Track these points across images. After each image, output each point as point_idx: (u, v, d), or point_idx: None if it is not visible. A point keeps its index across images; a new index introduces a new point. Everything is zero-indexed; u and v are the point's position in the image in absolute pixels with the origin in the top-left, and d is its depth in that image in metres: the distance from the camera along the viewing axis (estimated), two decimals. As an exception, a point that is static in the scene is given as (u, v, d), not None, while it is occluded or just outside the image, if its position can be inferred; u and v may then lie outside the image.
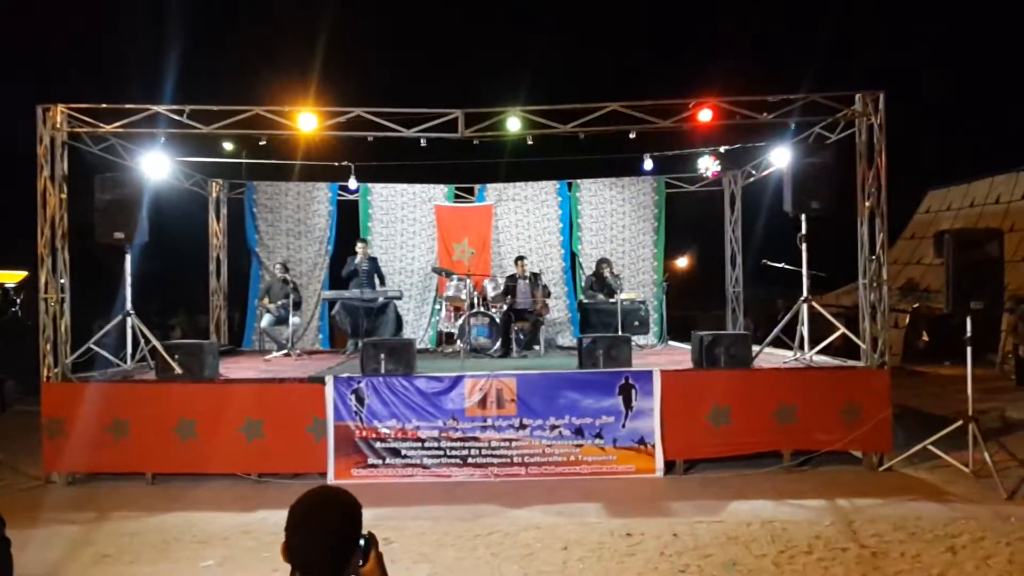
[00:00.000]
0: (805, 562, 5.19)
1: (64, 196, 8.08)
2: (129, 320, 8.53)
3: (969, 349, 7.35)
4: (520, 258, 11.12)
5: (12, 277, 3.86)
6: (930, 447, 7.43)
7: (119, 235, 8.20)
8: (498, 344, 10.11)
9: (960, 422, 7.30)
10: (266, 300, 11.05)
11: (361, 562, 2.19)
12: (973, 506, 6.32)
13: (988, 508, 6.23)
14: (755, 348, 8.20)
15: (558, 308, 12.50)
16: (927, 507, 6.35)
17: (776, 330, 8.65)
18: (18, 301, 3.72)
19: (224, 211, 12.38)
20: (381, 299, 10.80)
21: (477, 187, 12.87)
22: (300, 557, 2.14)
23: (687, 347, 9.43)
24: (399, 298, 11.10)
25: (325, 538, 2.14)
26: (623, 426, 7.56)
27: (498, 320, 10.17)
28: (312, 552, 2.14)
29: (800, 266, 8.64)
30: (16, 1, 17.75)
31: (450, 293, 10.91)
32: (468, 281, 10.59)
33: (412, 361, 7.83)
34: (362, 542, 2.21)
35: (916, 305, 16.67)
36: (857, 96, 8.13)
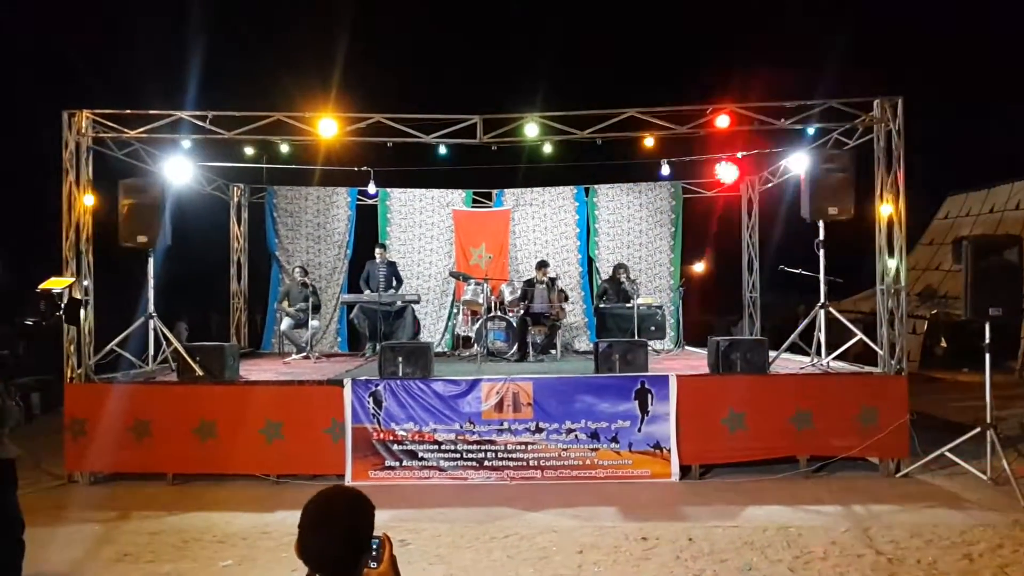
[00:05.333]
0: (821, 568, 5.19)
1: (89, 200, 8.22)
2: (151, 322, 8.65)
3: (988, 356, 7.32)
4: (542, 263, 11.00)
5: (59, 283, 3.93)
6: (948, 454, 7.41)
7: (142, 238, 8.32)
8: (515, 348, 10.14)
9: (978, 429, 7.27)
10: (286, 303, 11.16)
11: (374, 563, 2.21)
12: (991, 513, 6.29)
13: (1006, 516, 6.20)
14: (772, 354, 8.20)
15: (575, 313, 12.52)
16: (944, 514, 6.33)
17: (793, 336, 8.64)
18: (62, 306, 3.82)
19: (245, 215, 12.54)
20: (399, 303, 10.88)
21: (495, 192, 12.95)
22: (314, 555, 2.18)
23: (703, 352, 9.42)
24: (417, 302, 11.17)
25: (338, 536, 2.18)
26: (639, 430, 7.58)
27: (515, 324, 10.21)
28: (325, 550, 2.17)
29: (818, 272, 8.63)
30: (42, 8, 18.00)
31: (467, 297, 10.96)
32: (485, 285, 10.64)
33: (429, 364, 7.89)
34: (375, 543, 2.24)
35: (934, 311, 16.56)
36: (875, 102, 8.12)
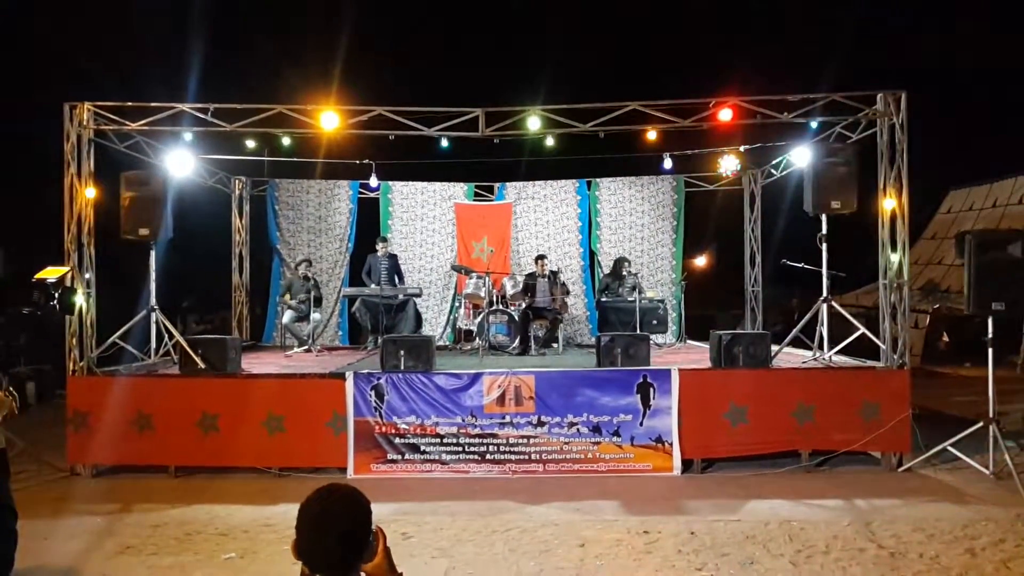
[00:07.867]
0: (823, 562, 5.19)
1: (91, 193, 8.20)
2: (153, 315, 8.66)
3: (990, 350, 7.31)
4: (540, 256, 11.14)
5: (53, 272, 3.97)
6: (950, 448, 7.40)
7: (144, 231, 8.33)
8: (517, 342, 10.14)
9: (980, 424, 7.27)
10: (287, 296, 11.15)
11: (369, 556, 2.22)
12: (993, 508, 6.28)
13: (1008, 510, 6.20)
14: (774, 348, 8.18)
15: (576, 306, 12.50)
16: (946, 508, 6.33)
17: (795, 330, 8.63)
18: (55, 295, 3.82)
19: (247, 208, 12.52)
20: (401, 296, 10.88)
21: (497, 185, 12.91)
22: (310, 556, 2.17)
23: (705, 346, 9.42)
24: (419, 295, 11.16)
25: (337, 538, 2.16)
26: (641, 424, 7.58)
27: (517, 318, 10.20)
28: (322, 551, 2.16)
29: (820, 266, 8.62)
30: (44, 0, 17.98)
31: (469, 291, 10.96)
32: (487, 279, 10.63)
33: (431, 358, 7.89)
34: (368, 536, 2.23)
35: (937, 306, 16.54)
36: (879, 96, 8.10)
